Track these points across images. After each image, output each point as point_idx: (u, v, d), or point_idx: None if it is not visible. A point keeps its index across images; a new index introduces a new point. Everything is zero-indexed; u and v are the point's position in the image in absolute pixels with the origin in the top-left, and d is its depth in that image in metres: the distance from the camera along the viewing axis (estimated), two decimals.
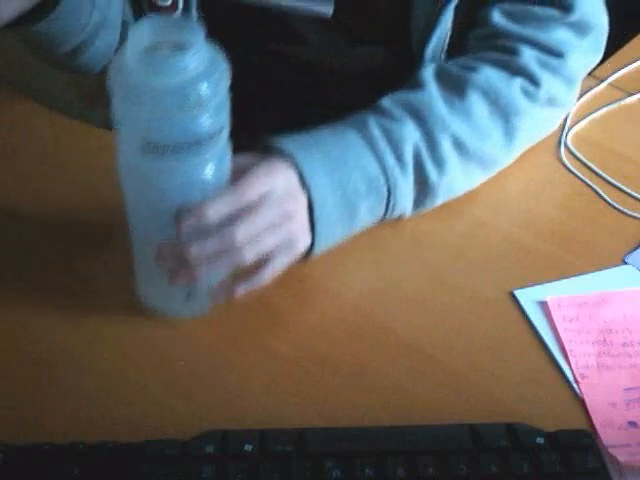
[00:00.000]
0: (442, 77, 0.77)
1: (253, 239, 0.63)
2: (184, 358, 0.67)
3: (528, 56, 0.79)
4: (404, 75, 0.84)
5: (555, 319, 0.71)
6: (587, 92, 0.93)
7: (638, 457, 0.61)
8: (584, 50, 0.82)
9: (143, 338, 0.68)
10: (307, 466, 0.58)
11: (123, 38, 0.82)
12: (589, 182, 0.84)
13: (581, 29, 0.81)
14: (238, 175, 0.64)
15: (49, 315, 0.69)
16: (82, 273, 0.72)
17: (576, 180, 0.84)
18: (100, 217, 0.77)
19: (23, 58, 0.86)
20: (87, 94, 0.96)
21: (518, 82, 0.78)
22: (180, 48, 0.57)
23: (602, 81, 0.96)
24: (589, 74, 0.89)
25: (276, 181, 0.65)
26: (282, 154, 0.67)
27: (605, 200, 0.82)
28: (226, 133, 0.61)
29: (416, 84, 0.77)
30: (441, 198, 0.76)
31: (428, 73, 0.78)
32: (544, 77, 0.78)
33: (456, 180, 0.76)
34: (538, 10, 0.80)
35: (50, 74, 0.88)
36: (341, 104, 0.83)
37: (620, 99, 0.93)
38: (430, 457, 0.59)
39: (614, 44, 1.03)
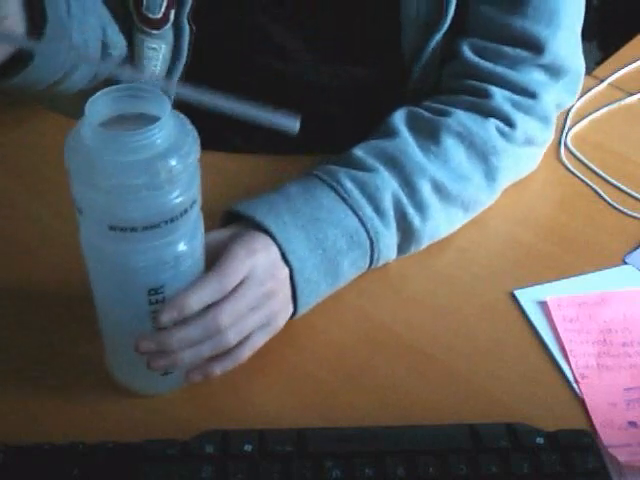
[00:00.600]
0: (414, 123, 0.76)
1: (235, 322, 0.62)
2: None
3: (500, 98, 0.78)
4: (392, 92, 0.84)
5: (555, 319, 0.71)
6: (587, 92, 0.93)
7: (638, 457, 0.61)
8: (557, 91, 0.81)
9: None
10: (307, 466, 0.58)
11: (104, 57, 0.81)
12: (589, 182, 0.84)
13: (555, 71, 0.80)
14: (215, 252, 0.63)
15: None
16: None
17: (576, 180, 0.84)
18: None
19: None
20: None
21: (492, 123, 0.77)
22: (144, 120, 0.52)
23: (602, 81, 0.96)
24: (589, 74, 0.89)
25: (257, 261, 0.63)
26: (255, 226, 0.66)
27: (605, 200, 0.82)
28: (198, 206, 0.57)
29: (388, 132, 0.76)
30: (426, 242, 0.75)
31: (399, 120, 0.77)
32: (519, 118, 0.78)
33: (440, 224, 0.75)
34: (509, 50, 0.78)
35: None
36: (328, 120, 0.84)
37: (620, 99, 0.93)
38: (430, 457, 0.59)
39: (614, 44, 1.03)
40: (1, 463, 0.57)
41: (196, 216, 0.58)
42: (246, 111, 0.51)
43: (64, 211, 0.78)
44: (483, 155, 0.76)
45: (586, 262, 0.76)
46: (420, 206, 0.72)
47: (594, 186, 0.84)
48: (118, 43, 0.80)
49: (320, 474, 0.58)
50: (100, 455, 0.58)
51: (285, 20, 0.85)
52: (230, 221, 0.68)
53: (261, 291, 0.63)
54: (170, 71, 0.83)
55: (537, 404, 0.65)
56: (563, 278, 0.74)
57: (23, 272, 0.73)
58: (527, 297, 0.73)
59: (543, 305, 0.72)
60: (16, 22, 0.66)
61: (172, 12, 0.79)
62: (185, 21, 0.79)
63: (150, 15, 0.77)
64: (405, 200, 0.72)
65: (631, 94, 0.95)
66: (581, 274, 0.75)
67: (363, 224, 0.70)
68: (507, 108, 0.77)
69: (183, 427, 0.60)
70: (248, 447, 0.58)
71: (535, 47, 0.78)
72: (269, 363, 0.67)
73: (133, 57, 0.82)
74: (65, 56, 0.74)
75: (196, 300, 0.59)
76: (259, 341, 0.65)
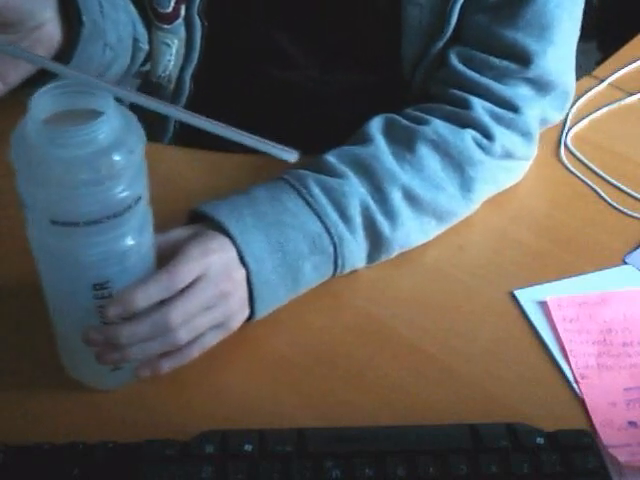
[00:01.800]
0: (390, 131, 0.76)
1: (187, 320, 0.62)
2: None
3: (480, 109, 0.77)
4: (392, 98, 0.84)
5: (555, 319, 0.71)
6: (587, 92, 0.93)
7: (638, 457, 0.61)
8: (543, 107, 0.80)
9: None
10: (307, 466, 0.58)
11: (135, 55, 0.82)
12: (589, 182, 0.84)
13: (541, 86, 0.79)
14: (172, 250, 0.63)
15: None
16: None
17: (576, 180, 0.84)
18: None
19: None
20: None
21: (469, 134, 0.76)
22: (87, 116, 0.52)
23: (602, 81, 0.96)
24: (589, 74, 0.89)
25: (211, 261, 0.63)
26: (215, 225, 0.66)
27: (605, 200, 0.82)
28: (145, 201, 0.57)
29: (363, 138, 0.75)
30: (396, 251, 0.74)
31: (375, 127, 0.76)
32: (498, 131, 0.77)
33: (411, 233, 0.74)
34: (495, 61, 0.78)
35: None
36: (327, 125, 0.84)
37: (620, 99, 0.93)
38: (430, 457, 0.59)
39: (614, 44, 1.03)
40: (1, 463, 0.57)
41: (143, 212, 0.58)
42: (247, 140, 0.52)
43: None
44: (459, 165, 0.75)
45: (586, 262, 0.76)
46: (390, 214, 0.71)
47: (594, 186, 0.84)
48: (145, 36, 0.81)
49: (320, 474, 0.58)
50: (100, 455, 0.58)
51: (286, 26, 0.85)
52: (195, 221, 0.68)
53: (215, 291, 0.63)
54: (183, 68, 0.83)
55: (537, 404, 0.65)
56: (563, 278, 0.74)
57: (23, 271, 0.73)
58: (527, 297, 0.73)
59: (543, 305, 0.72)
60: (53, 28, 0.67)
61: (182, 7, 0.79)
62: (196, 16, 0.80)
63: (160, 9, 0.78)
64: (374, 207, 0.71)
65: (631, 94, 0.95)
66: (581, 274, 0.75)
67: (327, 229, 0.69)
68: (486, 120, 0.77)
69: (183, 427, 0.61)
70: (248, 447, 0.58)
71: (522, 60, 0.77)
72: (269, 363, 0.67)
73: (151, 52, 0.83)
74: (100, 58, 0.75)
75: (143, 297, 0.59)
76: (211, 341, 0.65)
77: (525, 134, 0.79)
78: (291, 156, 0.52)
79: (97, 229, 0.54)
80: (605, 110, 0.92)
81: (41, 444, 0.58)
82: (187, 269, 0.62)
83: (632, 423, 0.63)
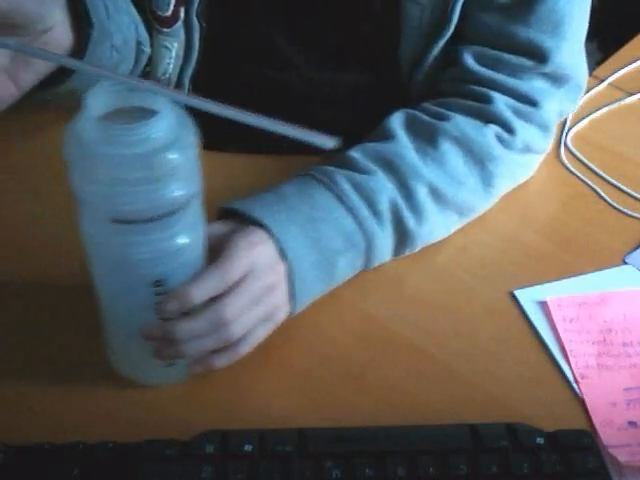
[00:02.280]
0: (412, 126, 0.76)
1: (239, 315, 0.62)
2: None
3: (501, 104, 0.77)
4: (390, 98, 0.84)
5: (555, 319, 0.71)
6: (587, 92, 0.93)
7: (638, 457, 0.61)
8: (559, 99, 0.80)
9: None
10: (307, 466, 0.58)
11: (138, 57, 0.81)
12: (589, 182, 0.84)
13: (556, 79, 0.80)
14: (214, 245, 0.63)
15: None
16: None
17: (576, 180, 0.84)
18: None
19: None
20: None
21: (492, 129, 0.76)
22: (143, 114, 0.52)
23: (602, 81, 0.96)
24: (589, 74, 0.89)
25: (257, 255, 0.64)
26: (254, 223, 0.66)
27: (605, 200, 0.82)
28: (199, 199, 0.58)
29: (385, 135, 0.76)
30: (420, 245, 0.75)
31: (397, 123, 0.76)
32: (519, 125, 0.77)
33: (434, 227, 0.75)
34: (511, 58, 0.78)
35: None
36: (326, 127, 0.84)
37: (620, 99, 0.93)
38: (430, 457, 0.58)
39: (614, 44, 1.03)
40: (1, 463, 0.57)
41: (197, 210, 0.58)
42: (286, 130, 0.52)
43: (64, 209, 0.78)
44: (480, 161, 0.75)
45: (586, 262, 0.76)
46: (416, 209, 0.72)
47: (594, 186, 0.84)
48: (147, 40, 0.81)
49: (320, 474, 0.58)
50: (100, 455, 0.58)
51: (284, 26, 0.85)
52: (225, 218, 0.69)
53: (263, 285, 0.64)
54: (182, 69, 0.83)
55: (537, 404, 0.65)
56: (563, 278, 0.74)
57: (22, 270, 0.73)
58: (527, 297, 0.73)
59: (543, 305, 0.72)
60: (63, 30, 0.67)
61: (182, 9, 0.79)
62: (195, 18, 0.79)
63: (159, 13, 0.77)
64: (401, 203, 0.72)
65: (631, 94, 0.95)
66: (581, 274, 0.75)
67: (360, 225, 0.70)
68: (508, 115, 0.77)
69: (183, 427, 0.60)
70: (248, 447, 0.58)
71: (538, 56, 0.78)
72: (269, 363, 0.67)
73: (151, 55, 0.82)
74: (108, 59, 0.75)
75: (199, 292, 0.60)
76: (260, 336, 0.65)
77: (543, 127, 0.80)
78: (331, 143, 0.52)
79: (154, 226, 0.55)
80: (605, 110, 0.92)
81: (41, 444, 0.58)
82: (237, 263, 0.62)
83: (632, 423, 0.63)
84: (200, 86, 0.86)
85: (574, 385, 0.66)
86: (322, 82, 0.87)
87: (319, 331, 0.69)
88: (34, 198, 0.80)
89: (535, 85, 0.79)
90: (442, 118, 0.77)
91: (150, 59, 0.83)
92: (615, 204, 0.82)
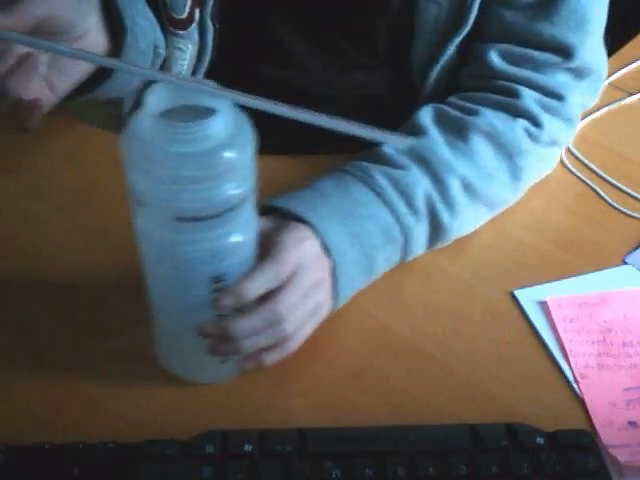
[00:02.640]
0: (442, 121, 0.77)
1: (292, 311, 0.63)
2: None
3: (529, 98, 0.78)
4: (402, 101, 0.85)
5: (555, 319, 0.71)
6: None
7: (638, 457, 0.61)
8: (581, 92, 0.82)
9: (143, 339, 0.68)
10: (307, 466, 0.58)
11: (154, 61, 0.82)
12: (589, 182, 0.84)
13: (579, 73, 0.81)
14: (259, 242, 0.63)
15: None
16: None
17: (576, 180, 0.84)
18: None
19: None
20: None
21: (520, 124, 0.78)
22: (201, 112, 0.53)
23: None
24: None
25: (304, 251, 0.64)
26: (297, 220, 0.67)
27: (605, 200, 0.83)
28: (253, 199, 0.58)
29: (416, 130, 0.77)
30: (451, 239, 0.76)
31: (426, 118, 0.77)
32: (546, 119, 0.79)
33: (466, 221, 0.76)
34: (537, 54, 0.79)
35: None
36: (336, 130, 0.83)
37: (620, 99, 0.93)
38: (430, 457, 0.59)
39: (614, 44, 1.03)
40: (1, 463, 0.57)
41: (252, 208, 0.59)
42: (359, 131, 0.53)
43: (65, 209, 0.79)
44: (509, 155, 0.76)
45: (586, 262, 0.76)
46: (449, 203, 0.73)
47: (594, 186, 0.84)
48: (162, 42, 0.81)
49: (320, 474, 0.58)
50: (100, 455, 0.58)
51: (293, 25, 0.84)
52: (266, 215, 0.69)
53: (311, 280, 0.64)
54: (195, 71, 0.83)
55: (537, 404, 0.65)
56: (563, 278, 0.74)
57: (22, 270, 0.73)
58: (527, 297, 0.73)
59: (543, 305, 0.72)
60: (97, 35, 0.69)
61: (197, 11, 0.78)
62: (209, 19, 0.79)
63: (175, 15, 0.77)
64: (436, 197, 0.72)
65: (631, 94, 0.95)
66: (581, 274, 0.75)
67: (397, 220, 0.71)
68: (535, 109, 0.78)
69: (183, 427, 0.60)
70: (248, 447, 0.58)
71: (564, 52, 0.79)
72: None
73: (165, 58, 0.82)
74: (138, 62, 0.76)
75: (253, 288, 0.60)
76: (307, 331, 0.66)
77: (568, 121, 0.81)
78: (407, 142, 0.53)
79: (208, 226, 0.55)
80: (605, 110, 0.92)
81: (41, 444, 0.58)
82: (288, 259, 0.63)
83: (632, 423, 0.63)
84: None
85: (574, 385, 0.66)
86: (332, 82, 0.87)
87: (319, 331, 0.69)
88: (35, 197, 0.80)
89: (559, 79, 0.80)
90: (471, 113, 0.78)
91: (164, 61, 0.83)
92: (615, 204, 0.82)
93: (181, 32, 0.79)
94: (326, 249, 0.66)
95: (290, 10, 0.83)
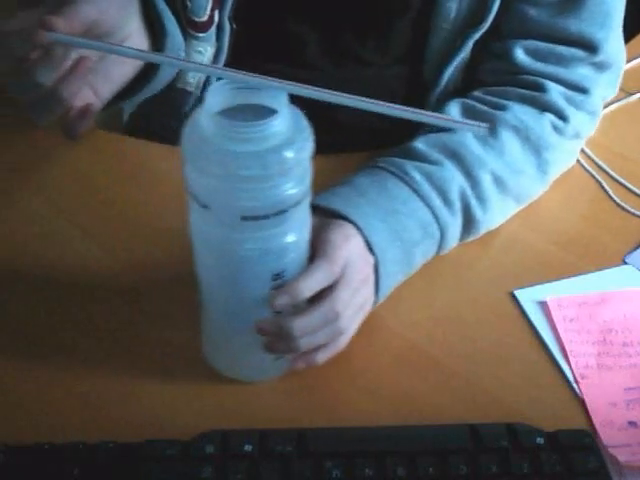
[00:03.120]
0: (471, 116, 0.78)
1: (346, 308, 0.63)
2: (184, 358, 0.67)
3: (555, 92, 0.79)
4: (412, 98, 0.86)
5: (555, 319, 0.71)
6: None
7: (638, 457, 0.61)
8: (603, 85, 0.83)
9: (143, 339, 0.68)
10: (307, 466, 0.58)
11: None
12: (589, 182, 0.84)
13: (600, 66, 0.82)
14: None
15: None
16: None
17: (576, 180, 0.84)
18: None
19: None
20: None
21: (548, 118, 0.78)
22: (261, 112, 0.54)
23: None
24: None
25: (352, 248, 0.65)
26: (339, 217, 0.67)
27: (606, 200, 0.83)
28: (309, 198, 0.59)
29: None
30: (482, 233, 0.77)
31: (455, 113, 0.78)
32: (571, 113, 0.79)
33: (496, 215, 0.77)
34: (563, 50, 0.80)
35: None
36: (348, 127, 0.83)
37: (620, 99, 0.93)
38: (430, 457, 0.59)
39: None
40: (1, 463, 0.57)
41: (307, 207, 0.60)
42: (437, 121, 0.55)
43: (66, 209, 0.79)
44: (537, 149, 0.77)
45: (586, 262, 0.76)
46: (482, 197, 0.74)
47: (594, 186, 0.84)
48: (183, 45, 0.81)
49: (320, 474, 0.58)
50: (100, 455, 0.58)
51: (306, 22, 0.84)
52: None
53: (360, 276, 0.65)
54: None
55: (537, 404, 0.65)
56: (563, 278, 0.74)
57: (22, 269, 0.73)
58: (527, 297, 0.73)
59: (543, 305, 0.72)
60: (139, 38, 0.70)
61: (216, 12, 0.78)
62: (226, 20, 0.79)
63: (196, 18, 0.77)
64: (469, 192, 0.73)
65: (631, 94, 0.95)
66: (581, 274, 0.75)
67: (434, 215, 0.71)
68: (561, 103, 0.79)
69: (183, 427, 0.60)
70: (248, 447, 0.58)
71: (591, 47, 0.80)
72: None
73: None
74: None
75: (310, 286, 0.61)
76: (355, 328, 0.66)
77: (592, 114, 0.82)
78: (483, 129, 0.53)
79: (265, 225, 0.56)
80: (605, 110, 0.92)
81: (41, 444, 0.58)
82: (339, 256, 0.63)
83: (632, 423, 0.63)
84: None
85: (574, 385, 0.66)
86: (343, 80, 0.87)
87: None
88: (35, 198, 0.80)
89: (582, 73, 0.81)
90: (499, 107, 0.78)
91: None
92: (618, 201, 0.82)
93: (201, 35, 0.79)
94: (369, 246, 0.67)
95: (305, 9, 0.83)
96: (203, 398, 0.64)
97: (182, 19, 0.78)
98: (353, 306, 0.64)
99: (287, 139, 0.54)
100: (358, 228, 0.66)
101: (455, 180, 0.73)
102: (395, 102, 0.86)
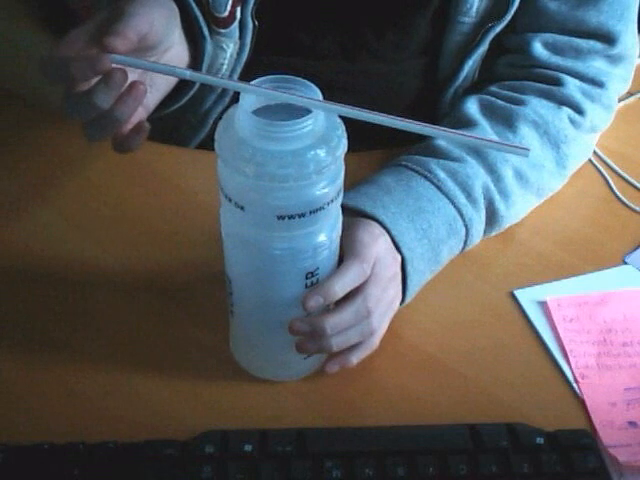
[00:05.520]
0: (490, 113, 0.78)
1: (377, 306, 0.64)
2: (184, 358, 0.67)
3: (573, 86, 0.80)
4: (426, 92, 0.86)
5: (555, 319, 0.71)
6: None
7: (638, 457, 0.61)
8: (617, 78, 0.83)
9: (143, 340, 0.68)
10: (307, 466, 0.58)
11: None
12: (589, 182, 0.84)
13: (615, 59, 0.82)
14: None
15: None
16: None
17: (576, 180, 0.84)
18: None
19: (24, 57, 0.86)
20: None
21: (565, 112, 0.79)
22: (294, 111, 0.54)
23: None
24: None
25: (380, 246, 0.65)
26: (367, 216, 0.67)
27: (605, 199, 0.83)
28: (341, 198, 0.59)
29: (465, 122, 0.78)
30: (504, 228, 0.77)
31: (474, 110, 0.79)
32: (588, 106, 0.80)
33: (519, 210, 0.77)
34: (581, 42, 0.80)
35: None
36: (363, 126, 0.83)
37: (620, 99, 0.93)
38: (430, 457, 0.59)
39: None
40: (1, 463, 0.57)
41: (338, 207, 0.60)
42: (478, 142, 0.56)
43: (66, 209, 0.79)
44: (555, 144, 0.78)
45: (586, 262, 0.76)
46: (505, 193, 0.74)
47: (594, 186, 0.84)
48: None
49: (320, 474, 0.58)
50: (100, 455, 0.58)
51: (320, 15, 0.83)
52: None
53: (388, 274, 0.65)
54: (233, 69, 0.83)
55: (537, 404, 0.65)
56: (563, 278, 0.74)
57: (21, 269, 0.73)
58: (527, 297, 0.73)
59: (543, 305, 0.72)
60: (181, 47, 0.71)
61: (238, 9, 0.78)
62: (249, 17, 0.79)
63: (217, 14, 0.77)
64: (492, 188, 0.74)
65: (631, 94, 0.95)
66: (581, 274, 0.75)
67: (460, 213, 0.72)
68: (578, 97, 0.80)
69: (183, 427, 0.61)
70: (248, 447, 0.58)
71: (609, 39, 0.80)
72: None
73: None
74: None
75: (341, 286, 0.61)
76: (386, 326, 0.66)
77: (607, 107, 0.82)
78: (525, 152, 0.54)
79: (297, 224, 0.56)
80: None
81: (41, 444, 0.58)
82: (369, 254, 0.63)
83: (632, 423, 0.63)
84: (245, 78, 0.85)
85: (574, 385, 0.66)
86: (356, 73, 0.87)
87: None
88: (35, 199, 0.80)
89: (598, 66, 0.81)
90: (518, 102, 0.79)
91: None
92: (624, 198, 0.82)
93: (223, 31, 0.79)
94: (396, 245, 0.67)
95: (324, 4, 0.82)
96: (203, 398, 0.64)
97: (205, 15, 0.78)
98: (383, 303, 0.65)
99: (322, 137, 0.54)
100: (385, 227, 0.67)
101: (478, 176, 0.73)
102: (409, 97, 0.86)
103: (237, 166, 0.54)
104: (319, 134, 0.54)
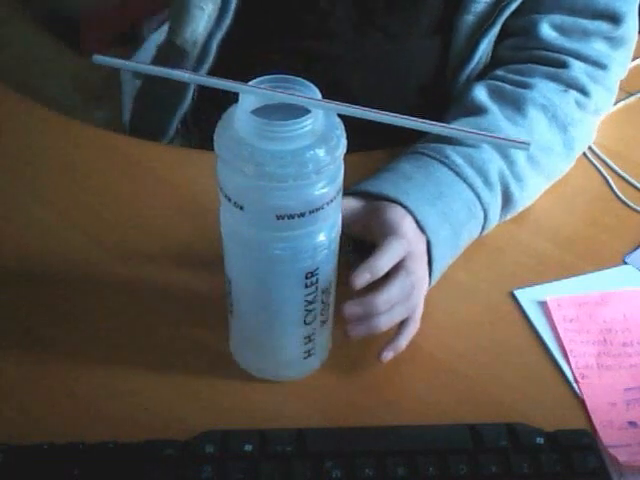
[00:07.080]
0: (499, 98, 0.79)
1: (418, 279, 0.65)
2: (184, 358, 0.67)
3: (577, 69, 0.80)
4: (441, 76, 0.86)
5: (555, 319, 0.71)
6: None
7: (638, 457, 0.61)
8: (618, 62, 0.84)
9: (143, 340, 0.68)
10: (307, 466, 0.58)
11: None
12: (589, 182, 0.84)
13: (616, 42, 0.82)
14: (349, 220, 0.65)
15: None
16: None
17: (576, 180, 0.84)
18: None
19: (25, 57, 0.86)
20: (90, 95, 0.95)
21: (572, 95, 0.79)
22: (294, 111, 0.54)
23: None
24: None
25: (408, 226, 0.67)
26: (388, 200, 0.68)
27: (605, 199, 0.83)
28: (340, 197, 0.58)
29: (476, 109, 0.78)
30: (518, 211, 0.78)
31: (483, 95, 0.79)
32: (593, 89, 0.80)
33: (531, 194, 0.78)
34: (588, 23, 0.81)
35: (53, 74, 0.88)
36: (367, 100, 0.83)
37: (620, 99, 0.93)
38: (430, 457, 0.59)
39: None
40: (1, 463, 0.57)
41: (337, 207, 0.60)
42: (475, 137, 0.56)
43: (66, 209, 0.79)
44: (563, 126, 0.78)
45: (586, 262, 0.76)
46: (518, 177, 0.75)
47: (594, 186, 0.84)
48: None
49: (320, 474, 0.58)
50: (100, 455, 0.58)
51: None
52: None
53: (418, 252, 0.66)
54: (212, 34, 0.81)
55: (537, 404, 0.65)
56: (563, 278, 0.74)
57: (21, 269, 0.73)
58: (527, 297, 0.73)
59: (543, 305, 0.72)
60: None
61: None
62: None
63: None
64: (507, 172, 0.75)
65: (631, 94, 0.95)
66: (581, 274, 0.75)
67: (478, 197, 0.72)
68: (584, 79, 0.80)
69: (183, 427, 0.60)
70: (248, 447, 0.58)
71: (614, 20, 0.81)
72: None
73: (181, 15, 0.80)
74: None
75: (386, 260, 0.63)
76: (422, 305, 0.67)
77: (610, 89, 0.83)
78: (526, 146, 0.54)
79: (296, 224, 0.56)
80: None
81: (41, 444, 0.58)
82: (404, 230, 0.65)
83: (632, 423, 0.63)
84: (230, 53, 0.84)
85: (574, 385, 0.66)
86: (368, 51, 0.86)
87: None
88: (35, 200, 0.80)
89: (600, 49, 0.82)
90: (525, 86, 0.79)
91: (179, 18, 0.81)
92: (624, 197, 0.82)
93: None
94: (421, 229, 0.68)
95: None
96: (203, 398, 0.64)
97: None
98: (422, 278, 0.66)
99: (321, 137, 0.54)
100: (409, 211, 0.68)
101: (494, 161, 0.74)
102: (421, 78, 0.86)
103: (236, 166, 0.54)
104: (318, 134, 0.54)
